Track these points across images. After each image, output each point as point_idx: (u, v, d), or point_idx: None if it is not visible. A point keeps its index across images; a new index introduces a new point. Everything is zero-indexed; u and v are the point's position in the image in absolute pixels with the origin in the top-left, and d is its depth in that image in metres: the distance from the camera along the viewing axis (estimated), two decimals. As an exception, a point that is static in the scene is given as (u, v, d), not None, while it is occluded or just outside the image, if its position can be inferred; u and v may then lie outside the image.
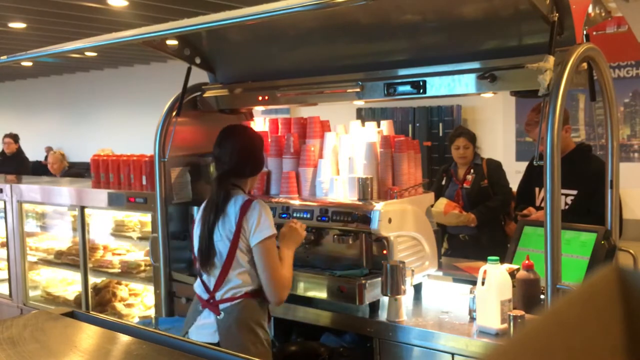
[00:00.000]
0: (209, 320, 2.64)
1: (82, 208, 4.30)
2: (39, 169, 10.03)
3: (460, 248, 4.50)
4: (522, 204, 3.73)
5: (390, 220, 2.87)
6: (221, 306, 2.62)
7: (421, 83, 2.88)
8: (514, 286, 2.58)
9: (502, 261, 2.68)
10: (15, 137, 9.13)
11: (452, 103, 8.63)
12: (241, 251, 2.60)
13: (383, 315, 2.82)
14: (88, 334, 1.82)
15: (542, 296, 2.61)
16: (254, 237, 2.58)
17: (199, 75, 3.81)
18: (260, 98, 3.52)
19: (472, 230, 4.51)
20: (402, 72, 2.98)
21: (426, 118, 8.88)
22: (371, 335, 2.80)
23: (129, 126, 12.32)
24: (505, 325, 2.47)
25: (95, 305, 4.37)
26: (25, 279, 4.88)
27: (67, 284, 4.93)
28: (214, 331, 2.61)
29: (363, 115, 8.93)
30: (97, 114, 13.71)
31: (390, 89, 2.97)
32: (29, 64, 11.31)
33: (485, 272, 2.52)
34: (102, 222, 4.47)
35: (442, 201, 4.46)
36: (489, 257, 2.55)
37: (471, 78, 2.73)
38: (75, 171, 7.33)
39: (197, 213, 2.85)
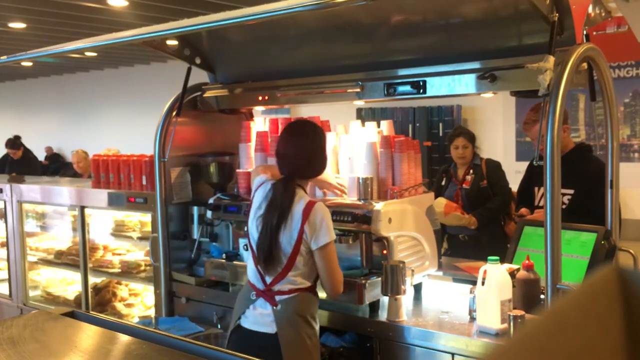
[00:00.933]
0: (265, 310, 2.63)
1: (82, 208, 4.30)
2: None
3: (460, 248, 4.50)
4: (521, 204, 3.73)
5: (390, 220, 2.87)
6: (277, 297, 2.61)
7: (421, 83, 2.88)
8: (514, 286, 2.58)
9: (502, 261, 2.68)
10: (15, 144, 9.02)
11: (452, 103, 8.63)
12: (301, 255, 2.60)
13: (383, 315, 2.82)
14: (88, 334, 1.82)
15: (542, 296, 2.61)
16: (316, 242, 2.58)
17: (199, 75, 3.81)
18: (260, 98, 3.52)
19: (472, 230, 4.51)
20: (402, 72, 2.98)
21: (426, 118, 8.88)
22: (371, 335, 2.80)
23: (129, 126, 12.32)
24: (505, 325, 2.47)
25: (95, 305, 4.37)
26: (25, 279, 4.88)
27: (67, 284, 4.93)
28: (271, 321, 2.59)
29: (363, 115, 8.93)
30: (97, 114, 13.71)
31: (390, 89, 2.97)
32: (29, 64, 11.31)
33: (485, 272, 2.52)
34: (102, 222, 4.47)
35: (441, 201, 4.45)
36: (489, 257, 2.55)
37: (471, 78, 2.73)
38: None
39: (251, 198, 2.78)
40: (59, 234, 4.95)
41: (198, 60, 3.71)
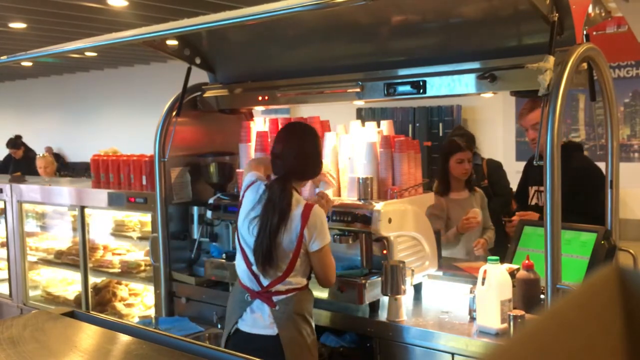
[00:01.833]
0: (262, 312, 2.61)
1: (82, 208, 4.30)
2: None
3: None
4: (518, 204, 3.73)
5: (390, 220, 2.87)
6: (275, 298, 2.61)
7: (421, 83, 2.88)
8: (514, 286, 2.58)
9: (502, 261, 2.68)
10: (16, 143, 9.07)
11: (452, 103, 8.63)
12: (299, 257, 2.61)
13: (383, 315, 2.82)
14: (88, 334, 1.82)
15: (542, 296, 2.61)
16: (314, 244, 2.59)
17: (199, 75, 3.81)
18: (260, 98, 3.52)
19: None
20: (402, 72, 2.98)
21: (426, 118, 8.87)
22: (371, 335, 2.80)
23: (129, 126, 12.31)
24: (505, 325, 2.47)
25: (95, 305, 4.37)
26: (25, 279, 4.88)
27: (67, 284, 4.93)
28: (271, 322, 2.58)
29: (363, 115, 8.92)
30: (97, 114, 13.70)
31: (390, 89, 2.97)
32: (29, 64, 11.30)
33: (485, 272, 2.52)
34: (102, 222, 4.47)
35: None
36: (489, 257, 2.55)
37: (471, 78, 2.73)
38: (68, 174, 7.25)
39: (240, 200, 2.78)
40: (59, 234, 4.96)
41: (198, 60, 3.71)
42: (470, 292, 2.70)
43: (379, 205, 2.87)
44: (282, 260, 2.60)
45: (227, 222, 3.52)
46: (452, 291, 3.12)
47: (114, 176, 4.32)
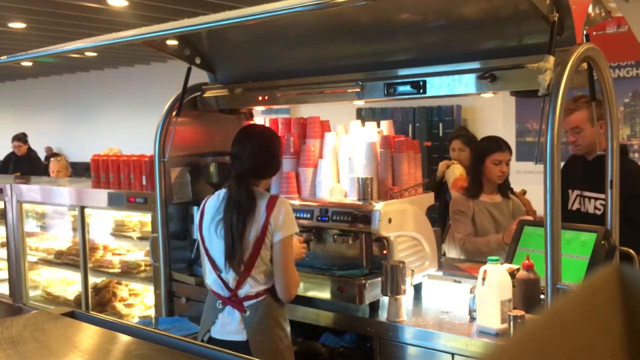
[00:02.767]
0: (233, 318, 2.62)
1: (82, 208, 4.30)
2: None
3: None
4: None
5: (390, 220, 2.87)
6: (246, 303, 2.60)
7: (421, 83, 2.88)
8: (514, 286, 2.58)
9: (502, 261, 2.68)
10: (23, 138, 9.12)
11: (452, 103, 8.62)
12: (266, 248, 2.60)
13: (383, 315, 2.82)
14: (88, 334, 1.82)
15: (542, 296, 2.61)
16: (279, 233, 2.59)
17: (199, 75, 3.81)
18: (260, 98, 3.52)
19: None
20: (402, 72, 2.98)
21: (426, 118, 8.87)
22: (371, 335, 2.79)
23: (129, 126, 12.31)
24: (505, 325, 2.47)
25: (95, 305, 4.36)
26: (25, 279, 4.88)
27: (67, 284, 4.93)
28: (241, 329, 2.58)
29: (363, 115, 8.92)
30: (97, 114, 13.70)
31: (390, 89, 2.97)
32: (29, 64, 11.30)
33: (485, 272, 2.52)
34: (102, 222, 4.47)
35: (458, 170, 4.42)
36: (489, 257, 2.55)
37: (471, 78, 2.73)
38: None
39: (200, 212, 2.82)
40: (59, 234, 4.95)
41: (198, 60, 3.71)
42: (470, 292, 2.70)
43: (379, 205, 2.87)
44: (246, 251, 2.59)
45: (227, 222, 3.51)
46: (452, 291, 3.12)
47: (114, 176, 4.32)
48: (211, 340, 2.64)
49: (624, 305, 0.66)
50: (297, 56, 3.51)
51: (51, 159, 7.03)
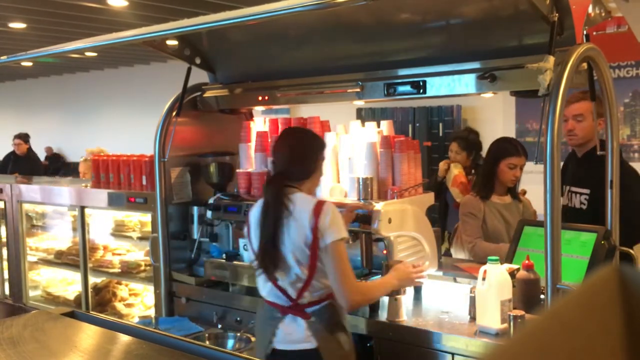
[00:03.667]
0: (297, 326, 2.50)
1: (82, 208, 4.30)
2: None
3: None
4: None
5: (390, 220, 2.87)
6: (309, 310, 2.50)
7: (421, 83, 2.88)
8: (514, 286, 2.58)
9: (502, 261, 2.68)
10: (25, 137, 9.12)
11: (452, 103, 8.62)
12: (321, 252, 2.47)
13: (383, 315, 2.81)
14: (88, 334, 1.82)
15: (542, 296, 2.61)
16: (327, 237, 2.43)
17: (199, 75, 3.81)
18: (260, 98, 3.52)
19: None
20: (402, 72, 2.98)
21: (426, 118, 8.87)
22: (371, 335, 2.79)
23: (129, 126, 12.31)
24: (505, 325, 2.47)
25: (95, 305, 4.37)
26: (25, 279, 4.88)
27: (67, 284, 4.93)
28: (308, 335, 2.47)
29: (363, 115, 8.92)
30: (97, 114, 13.71)
31: (390, 89, 2.97)
32: (29, 64, 11.31)
33: (485, 272, 2.52)
34: (102, 222, 4.47)
35: (457, 167, 4.41)
36: (489, 257, 2.55)
37: (471, 78, 2.73)
38: None
39: (246, 224, 2.70)
40: (59, 234, 4.95)
41: (198, 60, 3.71)
42: (470, 292, 2.70)
43: (379, 205, 2.87)
44: (301, 262, 2.47)
45: (227, 222, 3.52)
46: (452, 291, 3.12)
47: (114, 176, 4.32)
48: (275, 352, 2.53)
49: (624, 305, 0.66)
50: (297, 56, 3.51)
51: (80, 160, 6.63)
